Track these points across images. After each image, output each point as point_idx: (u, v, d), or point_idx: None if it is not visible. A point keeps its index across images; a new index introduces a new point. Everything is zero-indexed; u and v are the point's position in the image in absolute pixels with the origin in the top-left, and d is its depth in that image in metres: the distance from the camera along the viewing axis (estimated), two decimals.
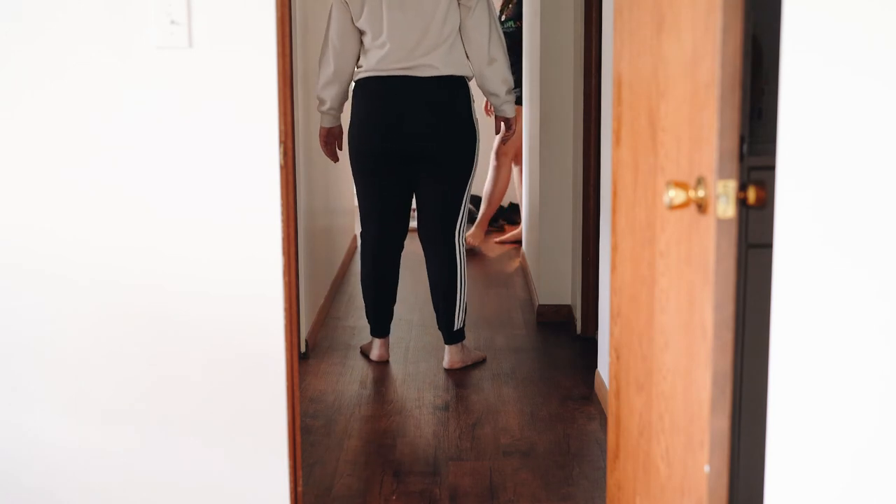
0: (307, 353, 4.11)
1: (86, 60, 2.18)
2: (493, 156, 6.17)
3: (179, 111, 2.20)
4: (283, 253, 2.25)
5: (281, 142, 2.21)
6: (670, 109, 1.80)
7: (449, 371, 3.94)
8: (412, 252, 6.24)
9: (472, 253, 6.23)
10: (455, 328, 3.94)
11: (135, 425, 2.31)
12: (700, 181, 1.60)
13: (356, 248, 6.28)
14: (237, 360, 2.29)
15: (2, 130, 2.21)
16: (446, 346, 3.99)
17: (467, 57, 3.75)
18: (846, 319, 1.21)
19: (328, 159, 4.14)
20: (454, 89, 3.73)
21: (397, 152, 3.77)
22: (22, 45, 2.17)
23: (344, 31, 3.74)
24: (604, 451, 3.12)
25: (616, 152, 2.25)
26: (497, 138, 6.00)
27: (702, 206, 1.60)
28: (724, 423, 1.63)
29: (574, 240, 4.50)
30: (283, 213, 2.24)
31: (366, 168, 3.83)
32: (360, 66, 3.78)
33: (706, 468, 1.64)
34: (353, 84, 3.87)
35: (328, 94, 3.83)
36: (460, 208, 3.86)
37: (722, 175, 1.56)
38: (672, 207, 1.64)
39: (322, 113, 3.89)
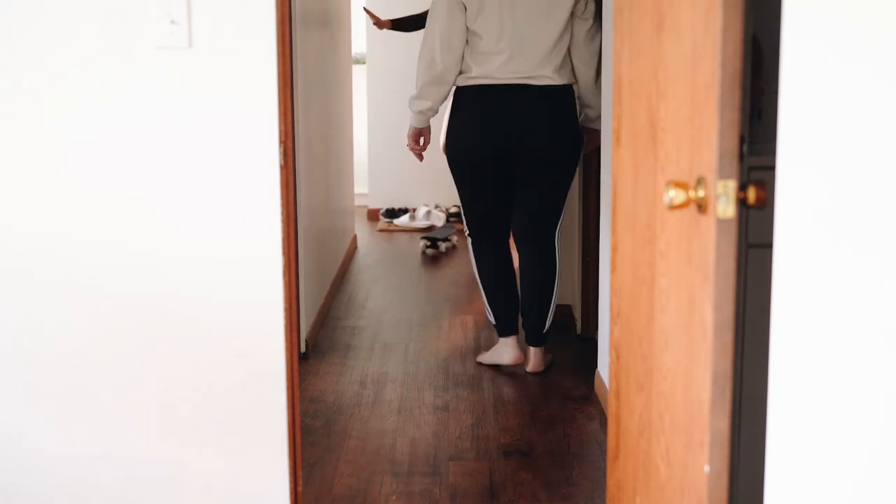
0: (307, 354, 4.11)
1: (86, 60, 2.18)
2: None
3: (179, 111, 2.20)
4: (283, 253, 2.25)
5: (281, 142, 2.21)
6: (670, 109, 1.80)
7: (450, 374, 3.93)
8: (412, 252, 6.25)
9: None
10: (545, 329, 3.89)
11: (134, 426, 2.31)
12: (700, 181, 1.60)
13: (356, 248, 6.28)
14: (237, 360, 2.29)
15: (1, 130, 2.21)
16: (531, 349, 3.91)
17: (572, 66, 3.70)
18: (846, 319, 1.21)
19: (328, 159, 4.12)
20: (567, 98, 3.69)
21: (511, 159, 3.72)
22: (22, 44, 2.17)
23: (458, 30, 3.62)
24: (604, 451, 3.12)
25: (616, 152, 2.25)
26: None
27: (702, 206, 1.60)
28: (724, 423, 1.62)
29: (574, 240, 4.50)
30: (283, 214, 2.24)
31: (476, 175, 3.77)
32: (472, 71, 3.66)
33: (706, 468, 1.64)
34: (452, 87, 3.75)
35: (432, 94, 3.72)
36: (562, 210, 3.83)
37: (722, 175, 1.56)
38: (672, 207, 1.64)
39: (417, 113, 3.80)
